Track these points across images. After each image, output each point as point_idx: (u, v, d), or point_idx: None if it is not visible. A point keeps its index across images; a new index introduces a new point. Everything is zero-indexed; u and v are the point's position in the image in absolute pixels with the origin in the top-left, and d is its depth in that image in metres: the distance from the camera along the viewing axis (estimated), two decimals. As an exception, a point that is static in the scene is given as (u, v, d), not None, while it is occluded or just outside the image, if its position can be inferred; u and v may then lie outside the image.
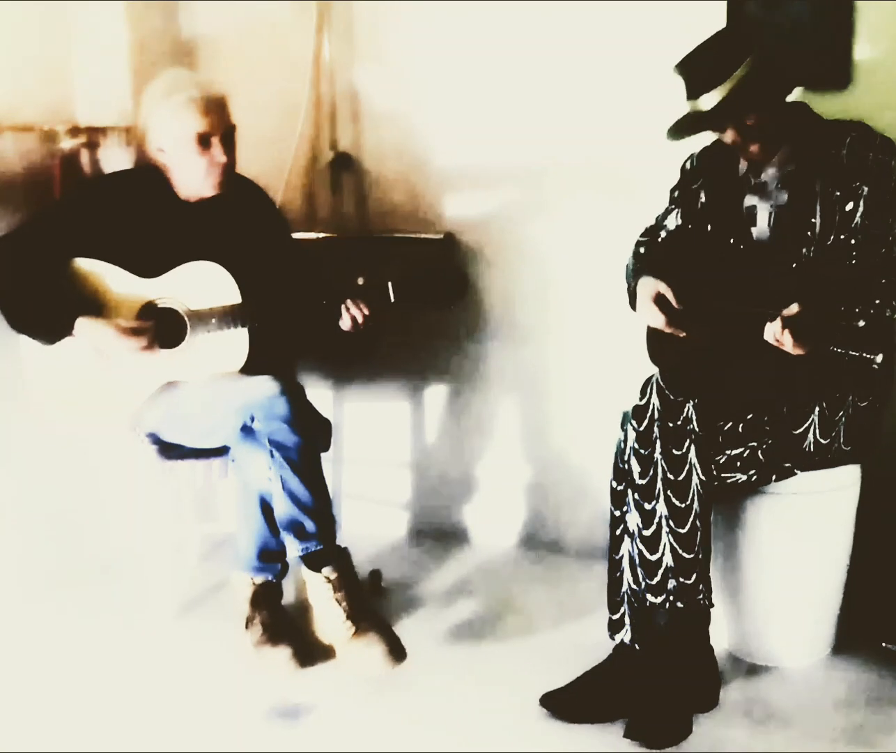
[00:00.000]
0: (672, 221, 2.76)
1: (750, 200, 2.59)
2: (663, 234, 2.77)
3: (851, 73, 2.77)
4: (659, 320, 2.59)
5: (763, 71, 2.44)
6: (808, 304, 2.25)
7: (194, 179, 2.77)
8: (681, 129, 2.53)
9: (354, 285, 2.75)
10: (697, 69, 2.46)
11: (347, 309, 2.71)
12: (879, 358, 2.11)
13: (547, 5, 3.09)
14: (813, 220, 2.46)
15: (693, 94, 2.46)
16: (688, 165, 2.76)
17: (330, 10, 3.36)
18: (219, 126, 2.74)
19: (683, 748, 2.39)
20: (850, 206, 2.44)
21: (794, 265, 2.46)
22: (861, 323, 2.11)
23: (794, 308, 2.26)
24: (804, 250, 2.47)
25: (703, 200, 2.69)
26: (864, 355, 2.11)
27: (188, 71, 3.10)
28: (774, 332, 2.28)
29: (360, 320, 2.71)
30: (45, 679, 2.72)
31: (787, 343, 2.27)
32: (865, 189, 2.43)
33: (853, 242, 2.43)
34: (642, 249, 2.79)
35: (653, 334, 2.69)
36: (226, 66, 3.35)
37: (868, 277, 2.38)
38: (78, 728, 2.51)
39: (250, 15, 3.37)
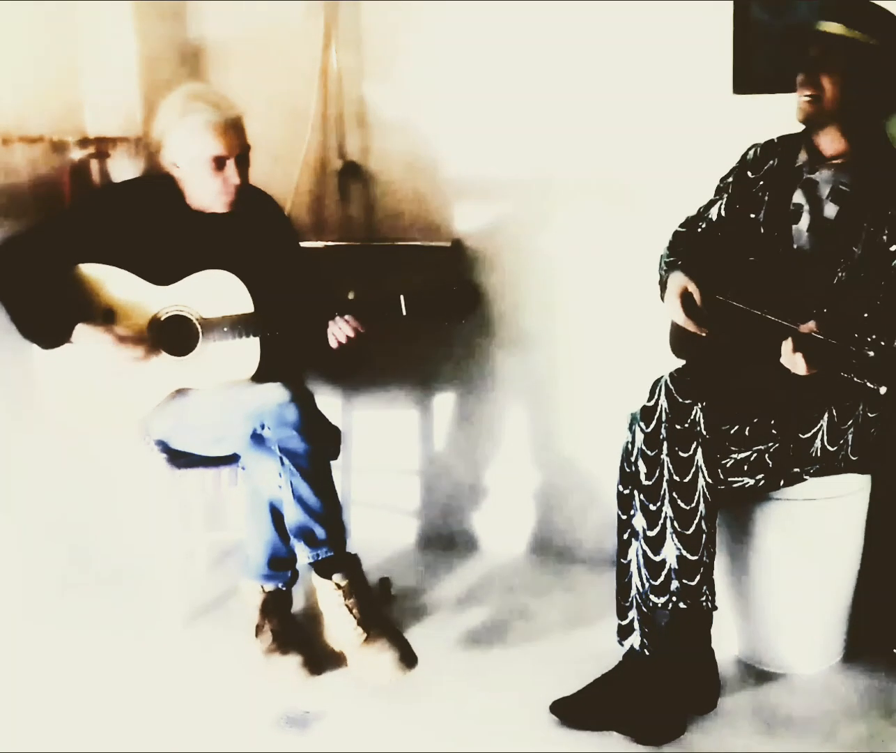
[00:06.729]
0: (715, 212, 2.73)
1: (798, 198, 2.57)
2: (703, 225, 2.75)
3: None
4: (682, 318, 2.59)
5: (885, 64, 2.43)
6: (824, 323, 2.25)
7: (207, 196, 2.77)
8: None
9: (345, 300, 2.74)
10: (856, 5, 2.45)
11: (339, 328, 2.70)
12: (883, 390, 2.11)
13: (555, 15, 3.10)
14: (854, 248, 2.45)
15: (830, 15, 2.43)
16: (750, 155, 2.70)
17: (338, 18, 3.37)
18: (234, 148, 2.73)
19: (692, 753, 2.40)
20: (894, 247, 2.43)
21: (822, 283, 2.46)
22: (871, 353, 2.11)
23: (811, 324, 2.25)
24: (838, 273, 2.46)
25: (762, 190, 2.65)
26: (869, 384, 2.12)
27: (205, 85, 3.13)
28: (786, 354, 2.28)
29: (346, 338, 2.71)
30: (54, 686, 2.73)
31: (800, 368, 2.26)
32: None
33: (883, 282, 2.42)
34: (679, 240, 2.76)
35: (676, 326, 2.68)
36: (234, 75, 3.37)
37: (889, 313, 2.37)
38: (88, 735, 2.52)
39: (258, 23, 3.38)
